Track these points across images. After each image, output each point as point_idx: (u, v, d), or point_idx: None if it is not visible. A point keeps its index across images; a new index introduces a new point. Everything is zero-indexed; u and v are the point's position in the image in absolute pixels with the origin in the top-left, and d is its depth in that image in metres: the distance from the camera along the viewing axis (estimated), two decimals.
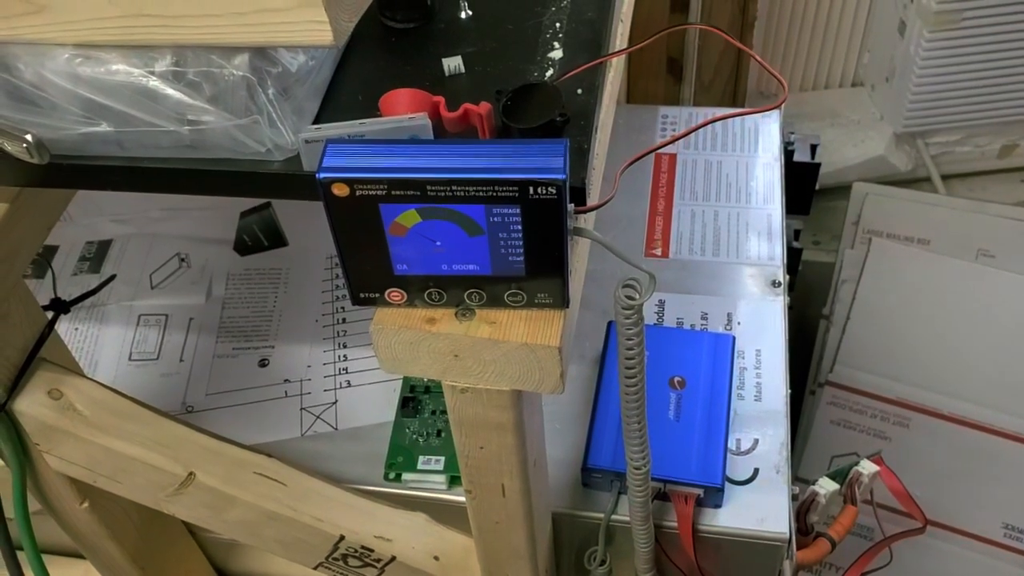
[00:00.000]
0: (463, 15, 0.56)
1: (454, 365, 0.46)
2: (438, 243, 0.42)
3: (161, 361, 0.81)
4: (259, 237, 0.89)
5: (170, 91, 0.47)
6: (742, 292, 0.81)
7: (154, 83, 0.47)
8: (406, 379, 0.75)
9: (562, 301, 0.44)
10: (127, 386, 0.78)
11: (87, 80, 0.48)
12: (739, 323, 0.79)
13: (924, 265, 1.17)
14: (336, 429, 0.75)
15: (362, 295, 0.45)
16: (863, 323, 1.16)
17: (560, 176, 0.39)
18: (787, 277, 0.82)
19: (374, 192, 0.40)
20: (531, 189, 0.39)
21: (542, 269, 0.43)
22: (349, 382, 0.78)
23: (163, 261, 0.88)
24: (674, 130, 0.94)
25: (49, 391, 0.59)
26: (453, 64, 0.52)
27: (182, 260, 0.88)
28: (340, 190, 0.40)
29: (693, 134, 0.93)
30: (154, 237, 0.90)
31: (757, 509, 0.68)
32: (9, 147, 0.48)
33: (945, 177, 1.31)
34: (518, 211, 0.40)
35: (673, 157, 0.91)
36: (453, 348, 0.45)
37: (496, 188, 0.39)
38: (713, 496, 0.67)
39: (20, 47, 0.48)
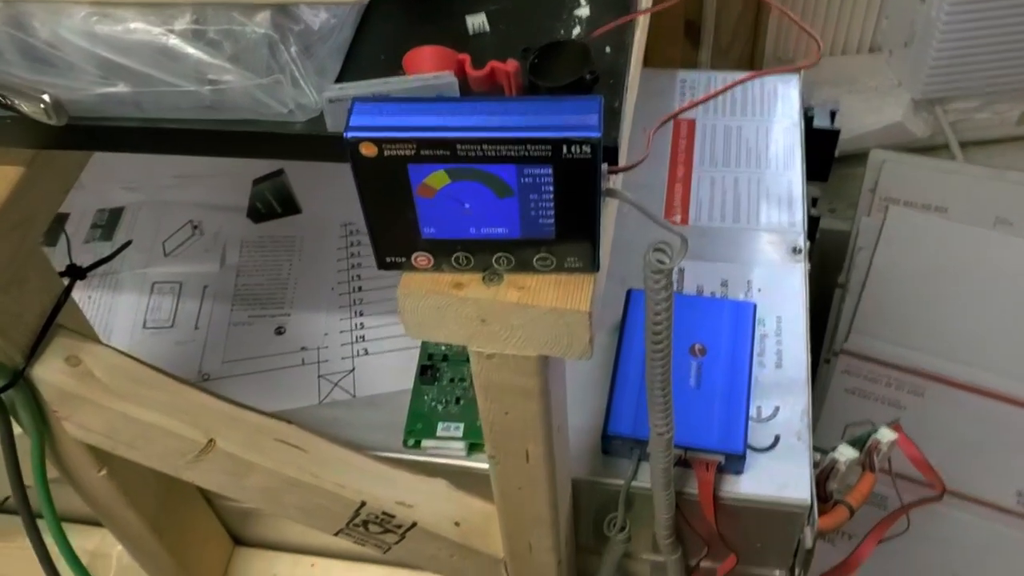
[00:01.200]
0: None
1: (481, 330, 0.45)
2: (467, 205, 0.41)
3: (176, 329, 0.80)
4: (272, 204, 0.88)
5: (190, 50, 0.46)
6: (762, 259, 0.80)
7: (173, 42, 0.46)
8: (424, 347, 0.75)
9: (592, 265, 0.44)
10: (142, 354, 0.77)
11: (104, 39, 0.47)
12: (759, 290, 0.78)
13: (941, 233, 1.16)
14: (354, 397, 0.74)
15: (388, 259, 0.45)
16: (879, 292, 1.15)
17: (595, 134, 0.38)
18: (807, 243, 0.81)
19: (403, 152, 0.39)
20: (564, 148, 0.38)
21: (573, 232, 0.42)
22: (366, 350, 0.77)
23: (176, 228, 0.87)
24: (693, 95, 0.93)
25: (67, 358, 0.58)
26: (477, 22, 0.50)
27: (195, 227, 0.87)
28: (368, 150, 0.39)
29: (712, 100, 0.92)
30: (166, 204, 0.90)
31: (778, 476, 0.67)
32: (26, 108, 0.47)
33: (963, 144, 1.29)
34: (550, 171, 0.39)
35: (692, 123, 0.90)
36: (480, 313, 0.44)
37: (528, 147, 0.39)
38: (734, 463, 0.66)
39: (35, 4, 0.47)
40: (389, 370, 0.76)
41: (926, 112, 1.27)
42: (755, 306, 0.73)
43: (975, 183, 1.18)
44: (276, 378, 0.76)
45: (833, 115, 0.95)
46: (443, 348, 0.74)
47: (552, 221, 0.42)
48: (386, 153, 0.39)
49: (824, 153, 0.96)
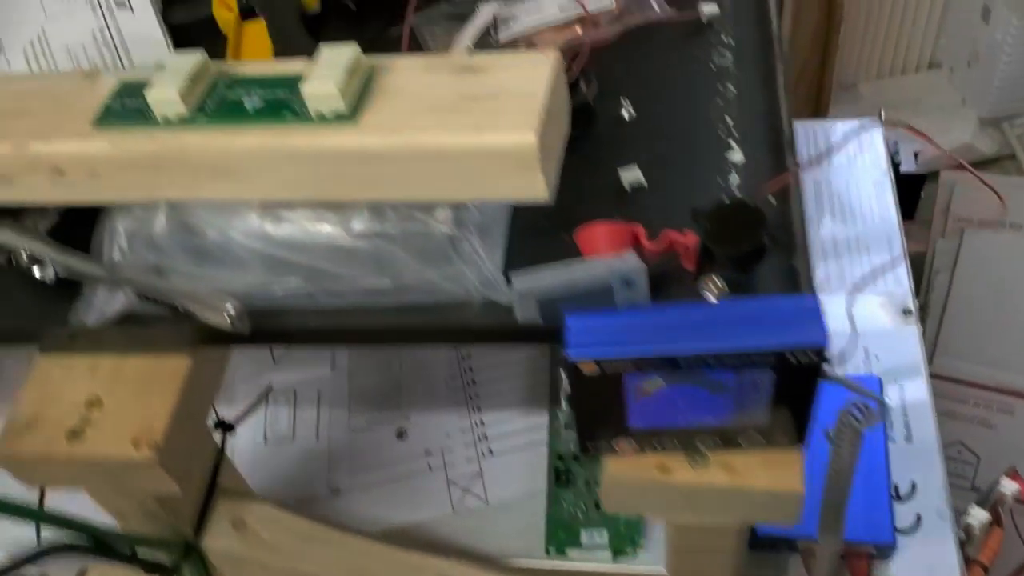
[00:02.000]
0: (625, 115, 0.54)
1: (686, 508, 0.45)
2: (679, 402, 0.41)
3: (298, 441, 0.80)
4: None
5: (369, 247, 0.46)
6: (875, 325, 0.79)
7: (352, 241, 0.46)
8: (551, 446, 0.75)
9: (800, 439, 0.44)
10: (268, 471, 0.78)
11: (278, 241, 0.47)
12: (877, 357, 0.78)
13: (1017, 250, 1.16)
14: (487, 503, 0.74)
15: (590, 445, 0.45)
16: (960, 312, 1.15)
17: (823, 343, 0.38)
18: (917, 303, 0.81)
19: (622, 369, 0.39)
20: (791, 357, 0.38)
21: (785, 416, 0.42)
22: (491, 450, 0.77)
23: None
24: None
25: (233, 522, 0.58)
26: (632, 178, 0.50)
27: None
28: (588, 368, 0.39)
29: (797, 149, 0.92)
30: None
31: (926, 558, 0.67)
32: (210, 318, 0.47)
33: None
34: (771, 374, 0.39)
35: None
36: (687, 496, 0.44)
37: (752, 357, 0.39)
38: (885, 551, 0.67)
39: (205, 208, 0.47)
40: (518, 470, 0.75)
41: (992, 128, 1.26)
42: (880, 380, 0.73)
43: None
44: (406, 487, 0.76)
45: (916, 156, 0.95)
46: (572, 446, 0.74)
47: (766, 411, 0.42)
48: (606, 370, 0.39)
49: (911, 195, 0.95)
